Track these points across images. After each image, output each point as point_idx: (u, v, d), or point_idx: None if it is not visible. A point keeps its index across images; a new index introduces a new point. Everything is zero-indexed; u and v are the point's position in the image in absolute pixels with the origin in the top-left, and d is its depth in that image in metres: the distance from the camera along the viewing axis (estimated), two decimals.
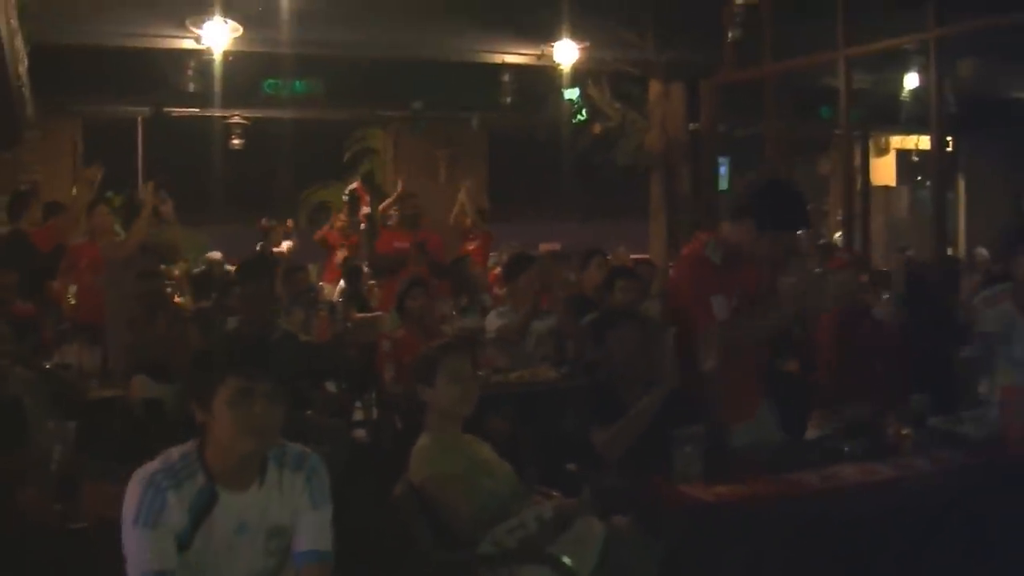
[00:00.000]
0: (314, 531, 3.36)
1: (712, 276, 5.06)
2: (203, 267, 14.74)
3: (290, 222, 16.98)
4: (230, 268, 13.90)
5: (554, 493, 4.63)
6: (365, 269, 13.20)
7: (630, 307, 7.99)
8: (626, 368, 5.23)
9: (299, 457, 3.39)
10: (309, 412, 7.87)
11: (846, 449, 4.84)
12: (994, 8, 9.98)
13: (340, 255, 15.37)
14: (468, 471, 4.42)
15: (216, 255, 15.33)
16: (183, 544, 3.17)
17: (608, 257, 11.71)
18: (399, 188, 15.61)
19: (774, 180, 5.81)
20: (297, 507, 3.34)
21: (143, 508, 3.12)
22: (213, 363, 3.29)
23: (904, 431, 4.96)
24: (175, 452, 3.26)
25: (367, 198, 16.86)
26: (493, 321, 8.40)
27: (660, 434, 4.65)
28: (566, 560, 4.03)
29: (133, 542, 3.12)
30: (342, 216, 16.30)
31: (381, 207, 16.10)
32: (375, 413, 9.16)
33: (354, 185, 17.09)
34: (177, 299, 11.44)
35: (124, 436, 6.41)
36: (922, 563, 4.44)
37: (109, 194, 13.11)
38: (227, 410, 3.20)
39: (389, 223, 14.23)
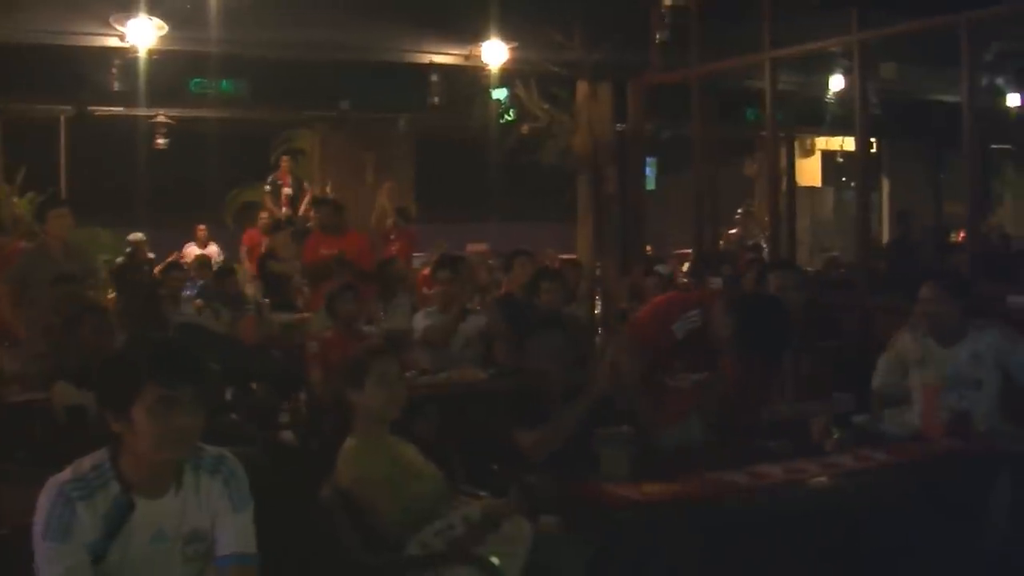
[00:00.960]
0: (237, 534, 3.28)
1: (662, 344, 5.23)
2: (128, 250, 14.68)
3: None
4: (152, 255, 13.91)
5: (482, 494, 4.62)
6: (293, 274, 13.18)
7: (555, 309, 8.04)
8: (549, 373, 5.25)
9: (215, 460, 3.31)
10: (233, 415, 7.83)
11: (772, 447, 4.89)
12: (917, 12, 10.12)
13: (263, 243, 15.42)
14: (395, 473, 4.40)
15: (139, 235, 15.27)
16: (98, 556, 3.08)
17: (535, 257, 11.77)
18: (307, 192, 15.69)
19: (766, 305, 5.83)
20: (217, 511, 3.26)
21: (52, 521, 3.03)
22: (131, 369, 3.15)
23: (828, 430, 5.01)
24: (86, 462, 3.15)
25: (288, 179, 16.85)
26: (420, 322, 8.38)
27: (588, 435, 4.67)
28: (494, 560, 4.03)
29: (43, 557, 3.03)
30: (264, 215, 16.31)
31: (301, 210, 16.13)
32: (301, 415, 9.10)
33: (275, 174, 17.07)
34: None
35: (45, 441, 6.31)
36: (848, 558, 4.48)
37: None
38: (147, 419, 3.08)
39: (309, 224, 14.23)
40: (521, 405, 5.21)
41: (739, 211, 17.47)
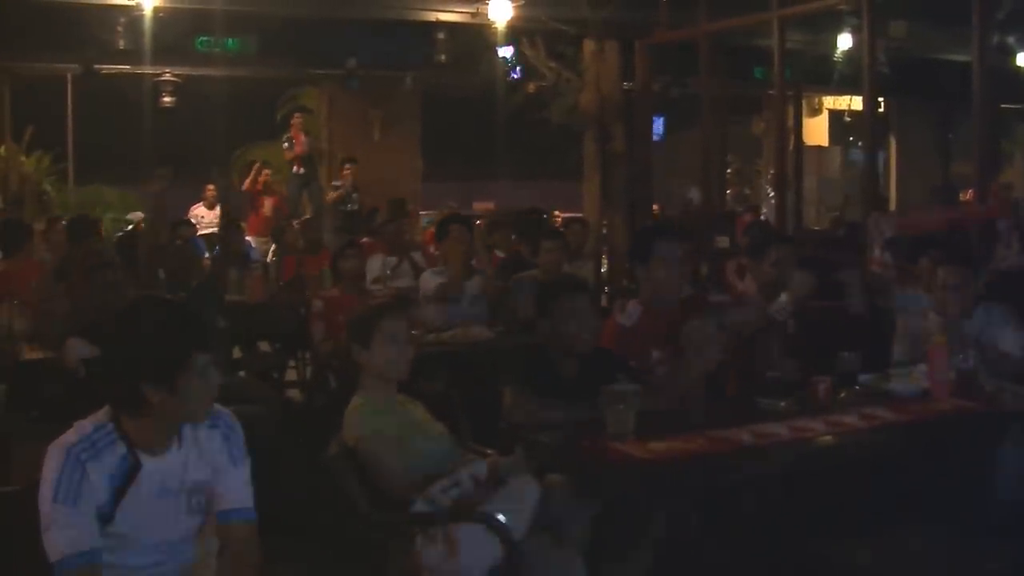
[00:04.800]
0: (236, 489, 3.32)
1: (623, 341, 5.29)
2: (127, 228, 14.67)
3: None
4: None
5: (488, 452, 4.64)
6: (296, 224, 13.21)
7: (556, 268, 8.11)
8: (569, 339, 5.21)
9: (213, 416, 3.32)
10: (241, 373, 7.86)
11: (782, 406, 4.90)
12: None
13: (267, 205, 15.45)
14: (402, 431, 4.42)
15: (138, 215, 15.28)
16: (106, 518, 3.09)
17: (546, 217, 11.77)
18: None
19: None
20: (216, 464, 3.29)
21: (62, 484, 3.02)
22: (180, 340, 3.12)
23: (834, 389, 5.03)
24: (87, 424, 3.14)
25: (301, 138, 16.84)
26: (428, 280, 8.37)
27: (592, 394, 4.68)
28: (501, 518, 4.05)
29: (53, 521, 3.02)
30: (266, 172, 16.33)
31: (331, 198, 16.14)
32: (309, 373, 9.14)
33: (290, 133, 17.06)
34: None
35: (56, 398, 6.33)
36: (852, 516, 4.50)
37: None
38: (197, 384, 3.11)
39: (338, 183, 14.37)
40: (528, 367, 5.20)
41: (729, 171, 17.47)
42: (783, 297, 5.97)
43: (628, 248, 6.32)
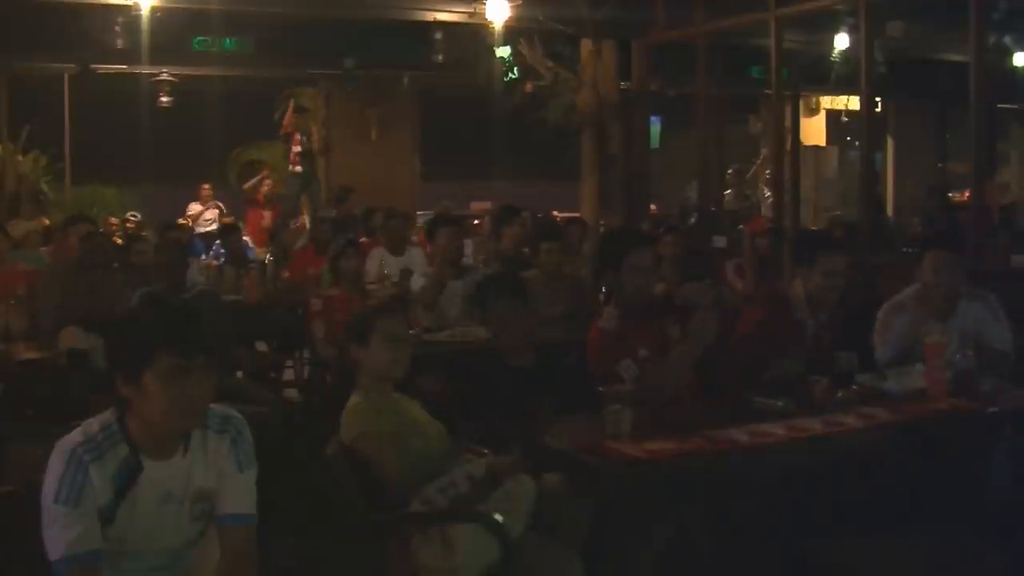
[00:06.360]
0: (238, 494, 3.27)
1: (609, 344, 5.28)
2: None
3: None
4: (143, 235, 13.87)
5: (485, 451, 4.64)
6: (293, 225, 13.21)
7: (555, 268, 8.13)
8: (504, 334, 5.34)
9: (223, 420, 3.28)
10: (239, 374, 7.85)
11: (779, 405, 4.89)
12: None
13: (267, 216, 15.43)
14: (399, 430, 4.41)
15: (127, 215, 15.33)
16: (107, 519, 3.06)
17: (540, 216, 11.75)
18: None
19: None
20: (222, 470, 3.25)
21: (64, 484, 2.99)
22: (145, 335, 3.08)
23: (831, 388, 5.02)
24: (95, 423, 3.11)
25: (297, 137, 16.85)
26: (417, 281, 8.39)
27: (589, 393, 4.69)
28: (498, 518, 4.05)
29: (54, 521, 2.99)
30: (268, 181, 16.35)
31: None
32: (306, 373, 9.13)
33: (287, 128, 17.07)
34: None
35: (52, 397, 6.32)
36: (850, 516, 4.50)
37: None
38: (159, 387, 3.02)
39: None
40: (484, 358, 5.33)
41: (729, 171, 17.46)
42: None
43: (598, 253, 6.28)
